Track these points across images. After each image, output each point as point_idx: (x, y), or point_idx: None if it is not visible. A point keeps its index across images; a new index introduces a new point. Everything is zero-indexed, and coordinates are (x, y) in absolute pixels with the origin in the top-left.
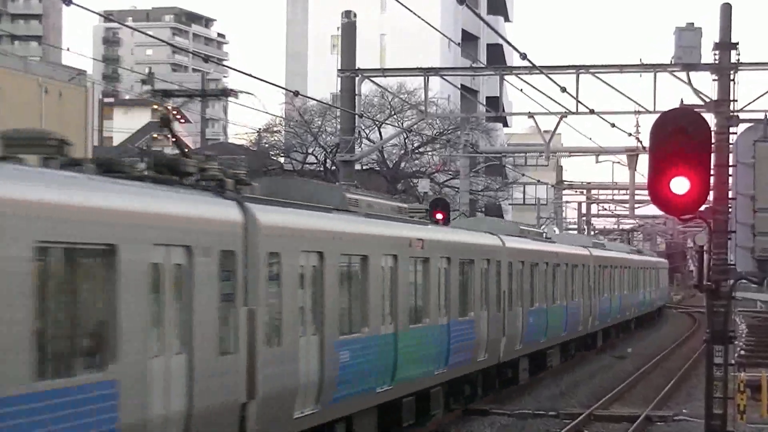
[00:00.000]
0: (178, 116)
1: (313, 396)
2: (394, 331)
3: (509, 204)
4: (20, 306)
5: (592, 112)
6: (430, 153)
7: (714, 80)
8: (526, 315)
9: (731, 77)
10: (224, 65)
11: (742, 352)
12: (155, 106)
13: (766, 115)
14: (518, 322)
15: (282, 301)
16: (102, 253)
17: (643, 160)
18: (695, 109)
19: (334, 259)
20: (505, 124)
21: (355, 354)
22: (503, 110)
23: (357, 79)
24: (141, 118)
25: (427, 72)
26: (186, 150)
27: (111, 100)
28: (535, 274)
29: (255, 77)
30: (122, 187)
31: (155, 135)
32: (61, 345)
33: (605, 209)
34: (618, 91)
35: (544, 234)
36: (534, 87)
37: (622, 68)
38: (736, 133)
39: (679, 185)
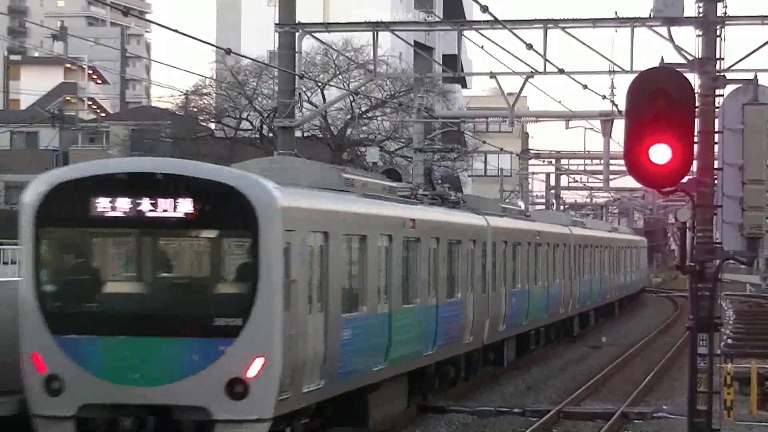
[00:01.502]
0: (95, 76)
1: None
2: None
3: (468, 176)
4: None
5: (561, 72)
6: (379, 118)
7: (698, 36)
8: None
9: (717, 32)
10: (146, 19)
11: (729, 341)
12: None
13: (756, 75)
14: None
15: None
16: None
17: (619, 126)
18: (677, 69)
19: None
20: (464, 86)
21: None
22: (462, 70)
23: (297, 34)
24: (52, 78)
25: (376, 27)
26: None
27: (18, 57)
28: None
29: (181, 33)
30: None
31: (68, 98)
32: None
33: (576, 181)
34: (591, 48)
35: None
36: (496, 44)
37: (595, 22)
38: (722, 96)
39: (659, 154)
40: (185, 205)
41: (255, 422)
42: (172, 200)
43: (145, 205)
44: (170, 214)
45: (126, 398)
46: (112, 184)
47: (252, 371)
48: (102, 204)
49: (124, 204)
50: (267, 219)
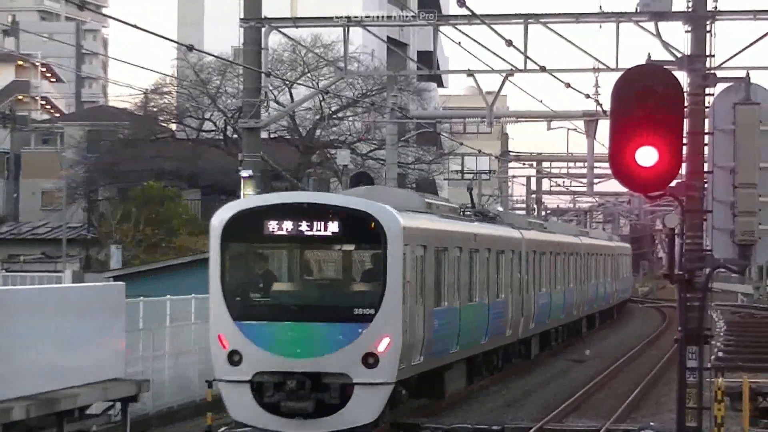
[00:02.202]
0: (48, 74)
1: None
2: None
3: (444, 179)
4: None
5: (543, 69)
6: (350, 119)
7: (687, 32)
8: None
9: (707, 28)
10: (103, 14)
11: (720, 354)
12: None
13: (748, 73)
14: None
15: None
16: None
17: (604, 127)
18: (665, 66)
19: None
20: (440, 84)
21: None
22: (438, 67)
23: (263, 30)
24: (3, 76)
25: (347, 22)
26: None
27: None
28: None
29: (140, 28)
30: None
31: (20, 97)
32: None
33: (559, 185)
34: (574, 44)
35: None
36: (474, 40)
37: (578, 18)
38: (713, 95)
39: (646, 156)
40: (333, 227)
41: (383, 385)
42: (323, 223)
43: (303, 226)
44: (321, 233)
45: (289, 367)
46: (278, 212)
47: (381, 347)
48: (271, 226)
49: (287, 226)
50: (392, 237)
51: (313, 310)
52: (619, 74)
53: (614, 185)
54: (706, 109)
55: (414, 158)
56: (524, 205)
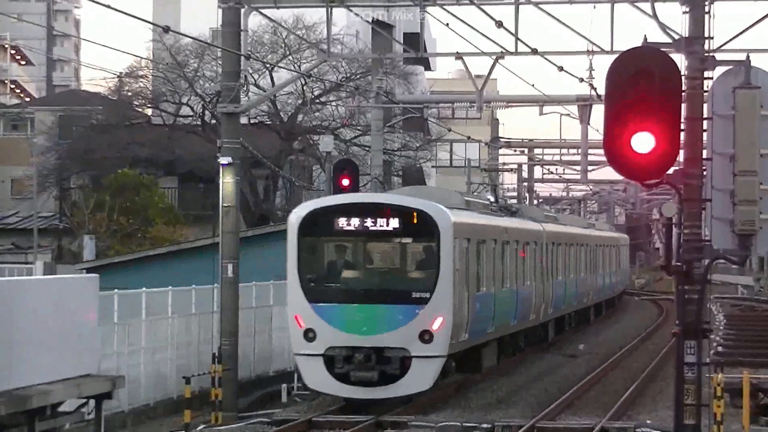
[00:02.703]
0: (18, 57)
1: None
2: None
3: (432, 167)
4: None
5: (535, 52)
6: (334, 103)
7: (685, 12)
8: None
9: (706, 8)
10: None
11: (720, 349)
12: None
13: (748, 56)
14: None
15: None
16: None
17: (598, 112)
18: (661, 48)
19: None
20: (428, 68)
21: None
22: (425, 50)
23: (243, 10)
24: None
25: (330, 2)
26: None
27: None
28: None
29: (114, 9)
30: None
31: None
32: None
33: (551, 173)
34: (567, 26)
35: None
36: (463, 21)
37: None
38: (711, 78)
39: (642, 142)
40: (394, 223)
41: (436, 358)
42: (386, 219)
43: (368, 222)
44: (384, 228)
45: (357, 343)
46: (347, 210)
47: (435, 325)
48: (341, 222)
49: (355, 222)
50: (444, 231)
51: (377, 294)
52: (614, 57)
53: (609, 173)
54: (705, 94)
55: (400, 145)
56: (516, 194)
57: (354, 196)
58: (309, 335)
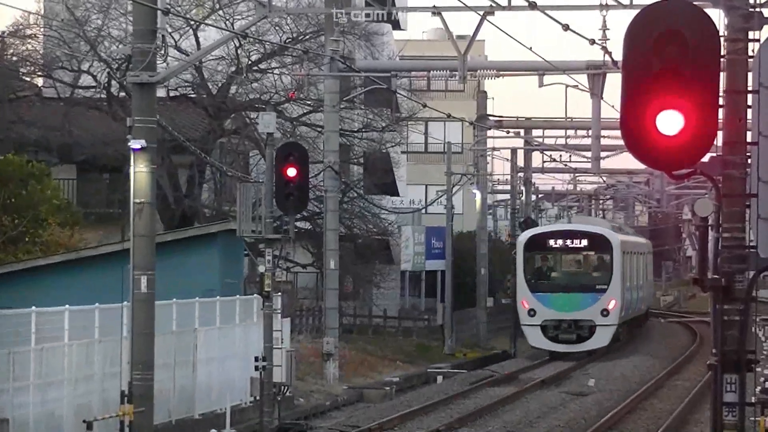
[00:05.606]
0: None
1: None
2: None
3: (402, 152)
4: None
5: (533, 6)
6: (277, 71)
7: None
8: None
9: None
10: None
11: (767, 385)
12: None
13: None
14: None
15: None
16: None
17: (614, 83)
18: (695, 2)
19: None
20: (397, 27)
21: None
22: (393, 3)
23: None
24: None
25: None
26: None
27: None
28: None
29: None
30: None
31: None
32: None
33: (554, 160)
34: None
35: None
36: None
37: None
38: (758, 41)
39: (670, 122)
40: (584, 242)
41: (611, 326)
42: (579, 240)
43: (569, 242)
44: (578, 245)
45: (562, 317)
46: (554, 234)
47: (611, 306)
48: (551, 242)
49: (560, 242)
50: (616, 247)
51: (575, 286)
52: (634, 13)
53: (628, 160)
54: (750, 60)
55: (362, 124)
56: (509, 186)
57: (558, 226)
58: (531, 313)
